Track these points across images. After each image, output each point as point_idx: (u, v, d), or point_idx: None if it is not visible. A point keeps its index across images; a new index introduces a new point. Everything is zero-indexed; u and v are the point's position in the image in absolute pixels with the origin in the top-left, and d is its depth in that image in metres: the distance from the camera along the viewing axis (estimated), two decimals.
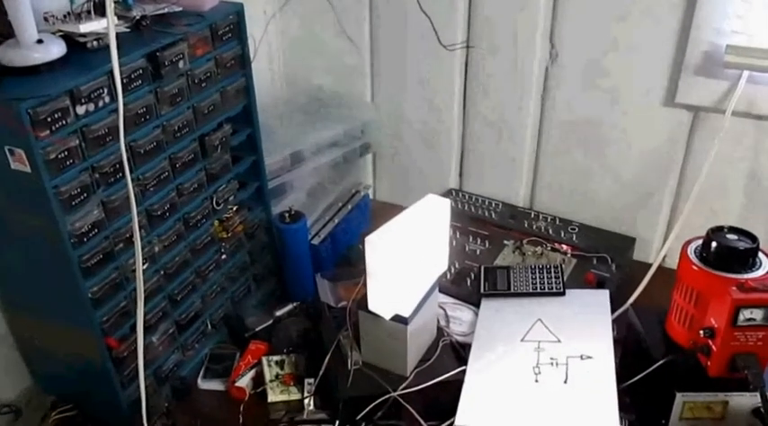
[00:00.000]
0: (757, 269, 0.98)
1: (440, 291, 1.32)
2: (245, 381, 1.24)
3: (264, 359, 1.25)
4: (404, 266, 1.05)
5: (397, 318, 1.09)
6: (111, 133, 1.00)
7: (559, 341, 1.17)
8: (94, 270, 1.04)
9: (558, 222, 1.54)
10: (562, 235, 1.49)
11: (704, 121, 1.35)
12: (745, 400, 0.97)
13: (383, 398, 1.10)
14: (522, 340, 1.19)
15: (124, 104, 0.95)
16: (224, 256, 1.31)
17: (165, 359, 1.22)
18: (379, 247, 1.03)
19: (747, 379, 0.93)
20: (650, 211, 1.50)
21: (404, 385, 1.11)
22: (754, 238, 0.99)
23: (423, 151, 1.69)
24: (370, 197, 1.73)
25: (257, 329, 1.33)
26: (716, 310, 0.95)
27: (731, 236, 0.99)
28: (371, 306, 1.09)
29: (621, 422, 1.03)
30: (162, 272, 1.18)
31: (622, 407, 1.05)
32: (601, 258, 1.41)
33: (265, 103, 1.44)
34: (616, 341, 1.16)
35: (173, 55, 1.07)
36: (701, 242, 1.02)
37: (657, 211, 1.49)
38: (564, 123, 1.50)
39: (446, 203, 1.12)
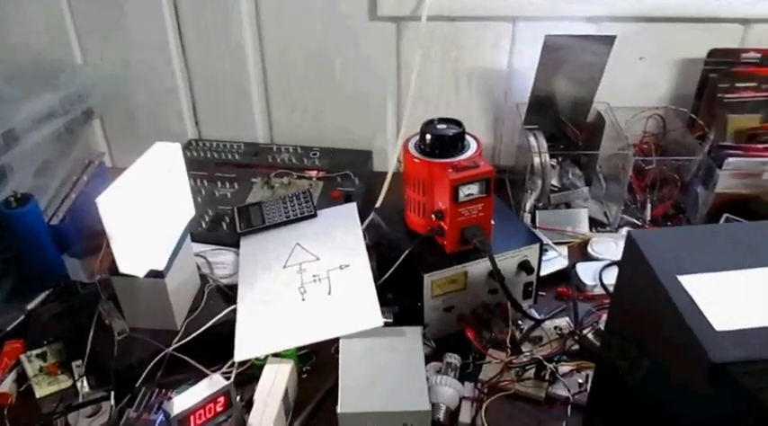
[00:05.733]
0: (467, 150, 1.09)
1: (199, 240, 1.31)
2: (6, 386, 1.14)
3: (23, 357, 1.15)
4: (145, 219, 1.02)
5: (153, 273, 1.06)
6: None
7: (318, 258, 1.22)
8: None
9: (299, 150, 1.58)
10: (305, 161, 1.54)
11: (406, 30, 1.45)
12: (480, 266, 1.09)
13: (158, 357, 1.08)
14: (284, 266, 1.22)
15: None
16: None
17: None
18: (113, 206, 0.98)
19: (477, 247, 1.06)
20: (380, 122, 1.59)
21: (177, 338, 1.10)
22: (459, 124, 1.10)
23: (153, 107, 1.62)
24: (108, 165, 1.64)
25: (8, 329, 1.22)
26: (440, 193, 1.05)
27: (441, 126, 1.09)
28: (122, 269, 1.04)
29: (386, 315, 1.12)
30: None
31: (385, 302, 1.13)
32: (344, 175, 1.48)
33: None
34: (370, 247, 1.25)
35: None
36: (418, 137, 1.11)
37: (385, 121, 1.59)
38: (283, 52, 1.52)
39: (176, 147, 1.09)
